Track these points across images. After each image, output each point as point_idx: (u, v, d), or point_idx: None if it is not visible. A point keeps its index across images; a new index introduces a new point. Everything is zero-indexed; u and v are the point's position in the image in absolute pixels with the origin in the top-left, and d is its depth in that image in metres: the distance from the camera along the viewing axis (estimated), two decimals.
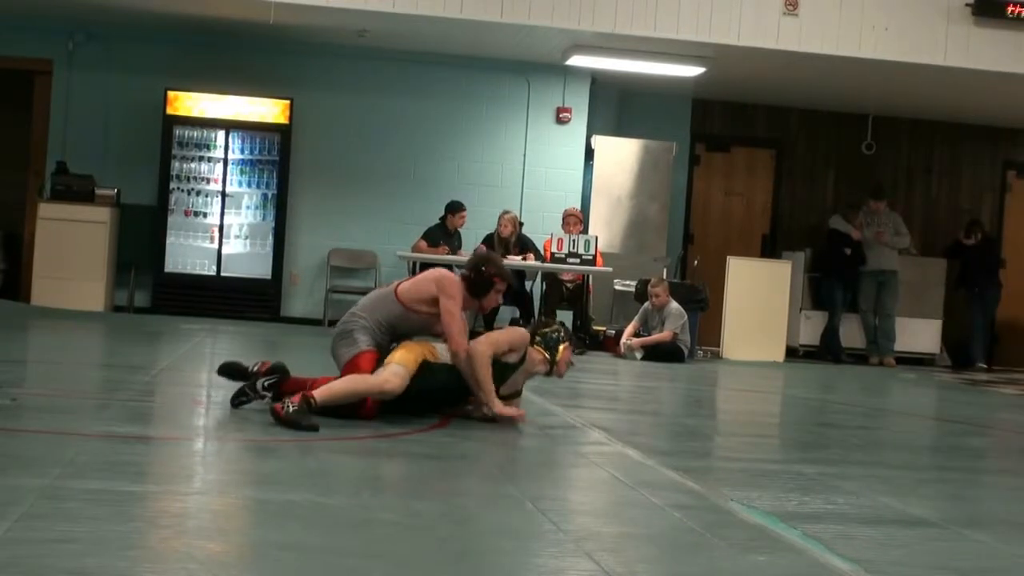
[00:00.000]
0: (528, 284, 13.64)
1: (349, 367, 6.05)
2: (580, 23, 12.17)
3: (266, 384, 5.92)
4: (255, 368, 6.13)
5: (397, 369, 5.84)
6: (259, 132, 13.63)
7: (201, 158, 13.60)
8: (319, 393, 5.63)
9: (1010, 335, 15.92)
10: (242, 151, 13.65)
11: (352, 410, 5.82)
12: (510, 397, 6.31)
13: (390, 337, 6.21)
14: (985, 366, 15.10)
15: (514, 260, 12.80)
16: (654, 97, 15.18)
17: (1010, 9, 12.34)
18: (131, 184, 13.44)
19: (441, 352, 6.10)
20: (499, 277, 6.39)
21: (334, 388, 5.71)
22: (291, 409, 5.47)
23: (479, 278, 6.32)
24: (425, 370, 5.96)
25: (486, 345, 6.08)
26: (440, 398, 6.17)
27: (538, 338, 6.33)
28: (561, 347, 6.33)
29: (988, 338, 15.43)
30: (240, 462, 4.96)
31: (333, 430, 5.54)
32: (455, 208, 13.15)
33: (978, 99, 14.27)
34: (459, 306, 6.17)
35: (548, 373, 6.39)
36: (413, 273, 12.73)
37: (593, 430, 6.30)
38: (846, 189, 15.57)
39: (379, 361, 6.00)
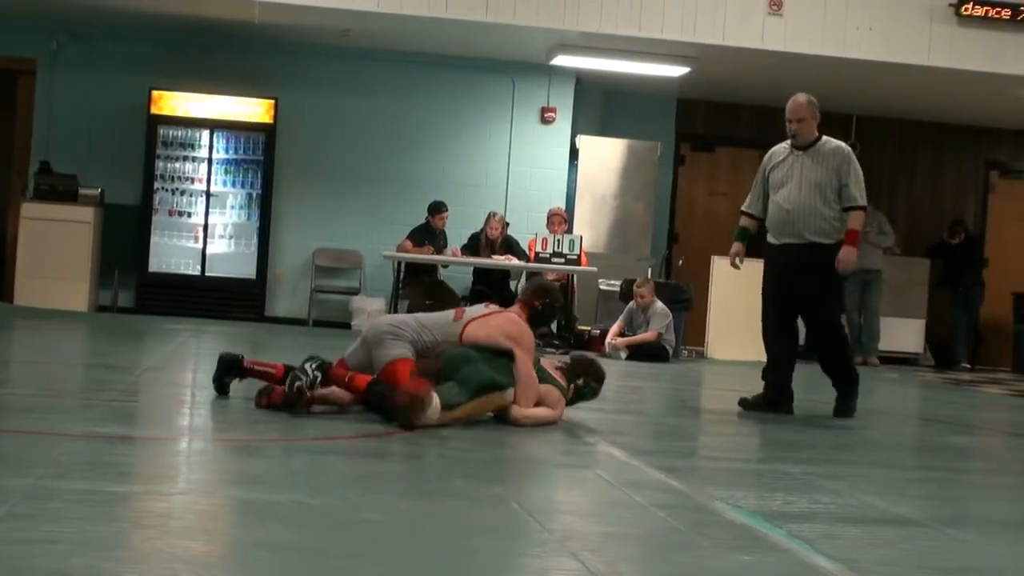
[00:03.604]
0: (513, 284, 13.65)
1: (390, 368, 6.05)
2: (565, 23, 12.18)
3: (314, 367, 5.94)
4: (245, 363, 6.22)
5: (433, 414, 5.73)
6: (244, 132, 13.61)
7: (185, 158, 13.58)
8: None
9: (993, 335, 15.97)
10: (227, 151, 13.63)
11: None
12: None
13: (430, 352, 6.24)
14: (968, 365, 15.16)
15: (499, 260, 12.83)
16: (639, 97, 15.20)
17: (964, 9, 12.36)
18: (115, 184, 13.40)
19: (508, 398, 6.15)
20: (560, 309, 6.67)
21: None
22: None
23: (548, 311, 6.51)
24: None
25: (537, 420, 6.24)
26: None
27: (576, 378, 6.49)
28: (582, 401, 6.55)
29: (971, 337, 15.49)
30: (225, 462, 4.94)
31: (319, 430, 5.54)
32: (436, 209, 13.16)
33: (962, 99, 14.32)
34: (532, 364, 6.24)
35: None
36: (398, 273, 12.82)
37: (578, 430, 6.30)
38: None
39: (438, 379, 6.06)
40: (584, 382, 6.52)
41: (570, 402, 6.48)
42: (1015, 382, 13.38)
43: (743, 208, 8.19)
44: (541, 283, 6.90)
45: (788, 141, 7.88)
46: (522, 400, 6.16)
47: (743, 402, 7.82)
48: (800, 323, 8.00)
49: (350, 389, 6.00)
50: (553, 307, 6.53)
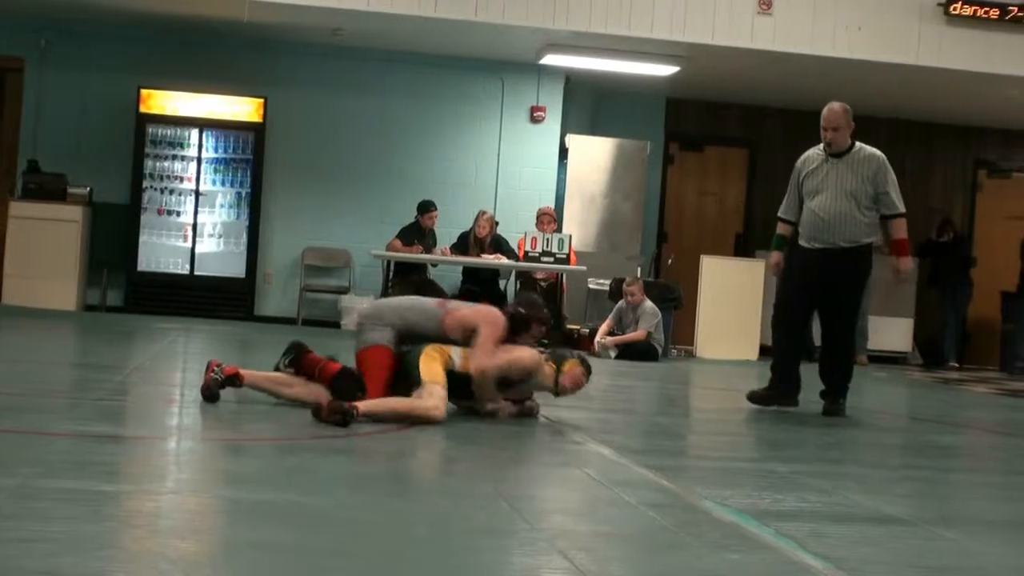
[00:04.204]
0: (502, 283, 13.65)
1: (362, 355, 6.22)
2: (554, 22, 12.19)
3: (286, 364, 6.28)
4: (216, 364, 6.26)
5: (441, 393, 6.00)
6: (233, 131, 13.59)
7: (174, 157, 13.56)
8: (365, 407, 5.75)
9: (981, 333, 16.01)
10: (216, 150, 13.62)
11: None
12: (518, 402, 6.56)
13: (411, 342, 6.34)
14: (956, 364, 15.19)
15: (488, 259, 12.83)
16: (628, 96, 15.21)
17: (952, 8, 12.43)
18: (104, 183, 13.38)
19: (455, 356, 6.24)
20: (539, 323, 6.62)
21: (385, 406, 5.87)
22: (339, 406, 5.57)
23: (521, 318, 6.51)
24: (452, 377, 6.18)
25: (498, 364, 6.29)
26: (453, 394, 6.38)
27: (550, 355, 6.58)
28: (568, 362, 6.52)
29: (959, 336, 15.52)
30: (214, 461, 4.94)
31: (308, 428, 5.54)
32: (425, 208, 13.16)
33: (950, 98, 14.36)
34: (495, 338, 6.31)
35: (554, 391, 6.54)
36: (387, 272, 12.82)
37: (567, 429, 6.31)
38: None
39: (400, 364, 6.18)
40: (554, 353, 6.61)
41: (557, 370, 6.50)
42: (1002, 381, 13.42)
43: (780, 215, 8.28)
44: (526, 295, 7.00)
45: (821, 147, 8.00)
46: (476, 355, 6.19)
47: (752, 396, 7.97)
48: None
49: (321, 379, 6.16)
50: (524, 315, 6.53)
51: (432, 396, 5.96)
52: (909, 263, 8.00)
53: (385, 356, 6.20)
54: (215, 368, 6.18)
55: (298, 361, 6.27)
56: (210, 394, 6.16)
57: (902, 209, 7.86)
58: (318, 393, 6.07)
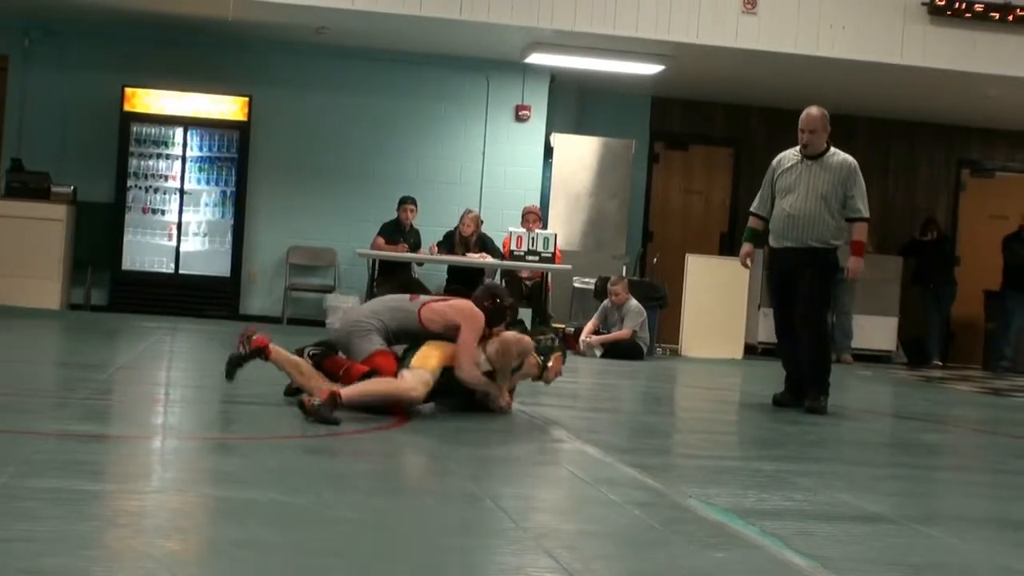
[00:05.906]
0: (487, 282, 13.63)
1: (368, 362, 6.25)
2: (539, 21, 12.19)
3: (311, 352, 6.36)
4: (248, 335, 6.30)
5: (424, 376, 6.12)
6: (218, 129, 13.56)
7: (159, 155, 13.52)
8: (347, 392, 5.83)
9: (964, 332, 16.06)
10: (200, 148, 13.59)
11: (384, 407, 6.03)
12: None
13: (399, 341, 6.45)
14: (940, 363, 15.23)
15: (473, 258, 12.83)
16: (613, 95, 15.22)
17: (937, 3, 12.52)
18: (88, 181, 13.33)
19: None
20: (512, 310, 6.85)
21: (364, 389, 5.94)
22: (317, 403, 5.63)
23: (498, 309, 6.61)
24: (446, 373, 6.26)
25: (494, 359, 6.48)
26: (457, 395, 6.48)
27: (538, 347, 6.74)
28: (553, 356, 6.78)
29: (943, 335, 15.57)
30: (199, 460, 4.94)
31: (294, 428, 5.53)
32: (401, 202, 13.18)
33: (934, 97, 14.40)
34: (476, 340, 6.39)
35: (537, 378, 6.81)
36: (372, 271, 12.81)
37: (553, 427, 6.32)
38: None
39: (399, 361, 6.27)
40: (536, 341, 6.77)
41: (543, 358, 6.71)
42: (985, 379, 13.47)
43: (752, 210, 8.50)
44: (487, 285, 7.15)
45: (797, 148, 8.19)
46: (459, 364, 6.28)
47: (775, 400, 8.22)
48: None
49: (345, 380, 6.16)
50: (503, 307, 6.65)
51: (413, 377, 6.07)
52: (859, 263, 8.20)
53: (392, 357, 6.27)
54: (244, 339, 6.22)
55: (322, 359, 6.35)
56: (232, 365, 6.22)
57: (865, 214, 8.12)
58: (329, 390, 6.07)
